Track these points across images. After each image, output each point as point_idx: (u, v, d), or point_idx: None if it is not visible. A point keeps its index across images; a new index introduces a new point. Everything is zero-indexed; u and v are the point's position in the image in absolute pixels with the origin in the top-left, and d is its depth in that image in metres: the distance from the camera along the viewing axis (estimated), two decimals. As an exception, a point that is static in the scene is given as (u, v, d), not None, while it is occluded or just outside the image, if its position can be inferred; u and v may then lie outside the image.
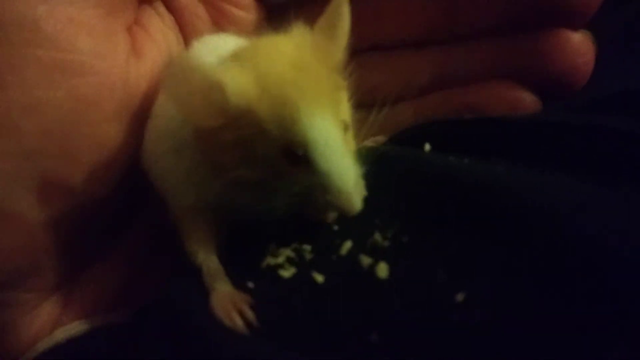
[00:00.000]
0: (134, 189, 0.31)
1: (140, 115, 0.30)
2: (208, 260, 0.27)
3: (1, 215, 0.26)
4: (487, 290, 0.21)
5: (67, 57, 0.26)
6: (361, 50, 0.31)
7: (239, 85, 0.23)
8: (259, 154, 0.24)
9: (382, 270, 0.24)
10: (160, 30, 0.32)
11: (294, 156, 0.23)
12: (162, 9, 0.33)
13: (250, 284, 0.26)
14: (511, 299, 0.21)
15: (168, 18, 0.33)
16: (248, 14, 0.34)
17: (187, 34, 0.34)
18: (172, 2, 0.33)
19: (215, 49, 0.28)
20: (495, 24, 0.33)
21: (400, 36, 0.35)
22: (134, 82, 0.29)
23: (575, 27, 0.31)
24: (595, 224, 0.22)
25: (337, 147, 0.24)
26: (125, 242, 0.32)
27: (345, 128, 0.25)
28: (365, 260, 0.25)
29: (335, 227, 0.27)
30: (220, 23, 0.34)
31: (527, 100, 0.32)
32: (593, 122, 0.26)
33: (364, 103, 0.28)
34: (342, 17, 0.25)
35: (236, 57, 0.26)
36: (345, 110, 0.26)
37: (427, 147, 0.30)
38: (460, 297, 0.22)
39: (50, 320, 0.30)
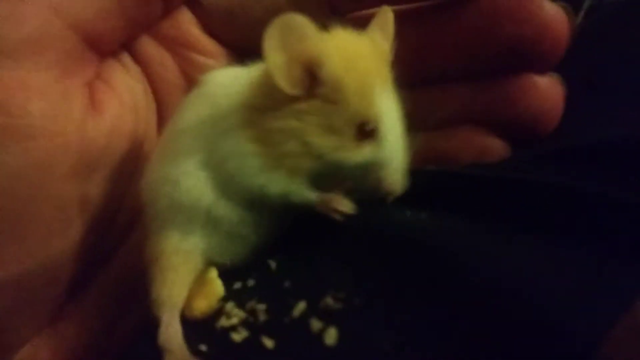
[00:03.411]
0: (97, 243, 0.31)
1: (103, 169, 0.30)
2: (170, 318, 0.27)
3: None
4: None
5: (18, 122, 0.26)
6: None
7: (335, 59, 0.25)
8: (335, 125, 0.26)
9: (331, 336, 0.23)
10: (124, 83, 0.32)
11: (365, 131, 0.26)
12: (127, 60, 0.33)
13: (203, 347, 0.26)
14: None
15: (134, 70, 0.33)
16: (217, 62, 0.34)
17: (155, 84, 0.34)
18: (138, 54, 0.33)
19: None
20: (463, 69, 0.32)
21: None
22: (91, 138, 0.29)
23: (542, 71, 0.31)
24: (543, 293, 0.21)
25: (400, 128, 0.27)
26: (90, 297, 0.32)
27: None
28: (316, 324, 0.24)
29: (291, 285, 0.26)
30: (189, 72, 0.34)
31: (495, 147, 0.31)
32: (557, 179, 0.25)
33: None
34: (389, 21, 0.28)
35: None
36: None
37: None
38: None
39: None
